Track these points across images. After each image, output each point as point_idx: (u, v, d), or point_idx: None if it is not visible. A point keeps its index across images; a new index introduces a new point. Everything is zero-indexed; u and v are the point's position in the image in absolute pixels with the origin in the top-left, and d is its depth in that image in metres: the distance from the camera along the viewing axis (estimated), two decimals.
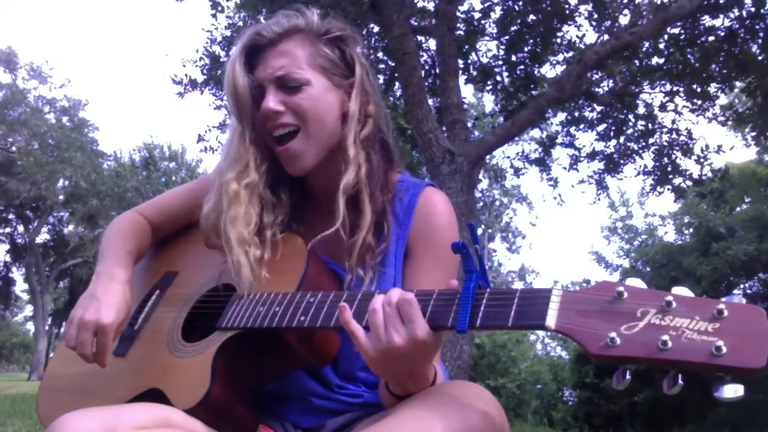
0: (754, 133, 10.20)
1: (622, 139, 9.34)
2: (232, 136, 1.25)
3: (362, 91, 1.25)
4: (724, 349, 0.67)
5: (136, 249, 1.35)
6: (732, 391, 0.67)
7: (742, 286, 12.71)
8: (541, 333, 25.36)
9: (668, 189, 9.12)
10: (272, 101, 1.19)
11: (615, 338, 0.73)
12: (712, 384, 0.68)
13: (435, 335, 0.91)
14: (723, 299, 0.72)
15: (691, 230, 13.04)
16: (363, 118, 1.25)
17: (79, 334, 1.14)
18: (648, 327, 0.72)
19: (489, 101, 15.84)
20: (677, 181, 9.06)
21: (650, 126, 8.98)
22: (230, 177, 1.20)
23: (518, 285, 28.12)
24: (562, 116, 9.65)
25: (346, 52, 1.27)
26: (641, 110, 9.03)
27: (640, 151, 9.28)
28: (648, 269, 13.64)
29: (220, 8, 8.69)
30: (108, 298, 1.18)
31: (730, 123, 9.83)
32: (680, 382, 0.70)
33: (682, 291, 0.75)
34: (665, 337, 0.70)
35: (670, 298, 0.73)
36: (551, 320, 0.80)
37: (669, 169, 9.05)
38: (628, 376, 0.73)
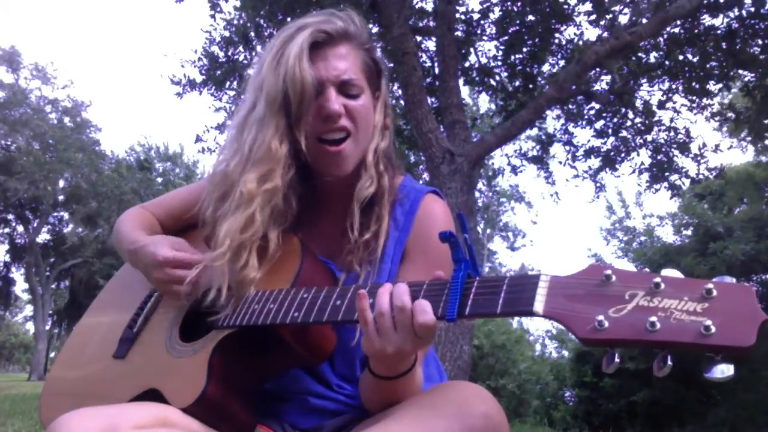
0: (750, 138, 10.20)
1: (620, 136, 9.36)
2: (263, 133, 1.16)
3: (385, 104, 1.29)
4: (713, 329, 0.66)
5: (148, 231, 1.39)
6: (721, 371, 0.66)
7: None
8: (540, 333, 25.36)
9: (664, 187, 9.13)
10: (337, 103, 1.18)
11: (603, 321, 0.72)
12: (704, 365, 0.67)
13: None
14: (713, 279, 0.71)
15: (689, 231, 13.05)
16: (383, 130, 1.28)
17: (168, 271, 1.22)
18: (636, 309, 0.72)
19: (484, 102, 15.85)
20: (673, 178, 9.08)
21: (647, 123, 8.99)
22: (251, 177, 1.14)
23: None
24: (559, 112, 9.65)
25: (378, 63, 1.29)
26: (639, 107, 9.05)
27: (637, 148, 9.30)
28: (647, 270, 13.63)
29: (218, 9, 8.69)
30: (157, 244, 1.26)
31: (726, 126, 9.84)
32: (669, 363, 0.69)
33: (671, 273, 0.74)
34: (653, 319, 0.69)
35: (658, 279, 0.73)
36: (539, 306, 0.80)
37: (665, 166, 9.07)
38: (617, 359, 0.72)
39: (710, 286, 0.69)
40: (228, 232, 1.12)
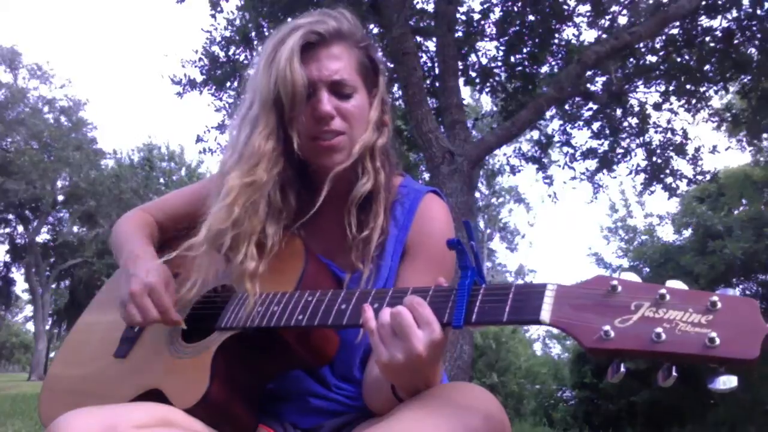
0: (747, 138, 10.23)
1: (617, 137, 9.38)
2: (253, 132, 1.18)
3: (382, 101, 1.28)
4: (718, 341, 0.67)
5: (150, 239, 1.37)
6: (724, 382, 0.67)
7: (741, 286, 12.72)
8: (541, 333, 25.37)
9: (660, 188, 9.16)
10: (329, 105, 1.18)
11: (609, 331, 0.73)
12: (707, 376, 0.68)
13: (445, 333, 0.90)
14: (716, 291, 0.72)
15: (689, 230, 13.06)
16: (380, 127, 1.27)
17: (139, 304, 1.15)
18: (642, 320, 0.72)
19: (486, 102, 15.87)
20: (669, 180, 9.10)
21: (644, 125, 9.01)
22: (235, 174, 1.16)
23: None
24: (554, 114, 9.67)
25: (374, 60, 1.28)
26: (636, 108, 9.07)
27: (633, 150, 9.33)
28: (647, 269, 13.66)
29: (219, 9, 8.69)
30: (141, 267, 1.20)
31: (724, 126, 9.86)
32: (674, 374, 0.70)
33: (676, 284, 0.75)
34: (659, 330, 0.70)
35: (663, 291, 0.73)
36: (546, 315, 0.80)
37: (661, 167, 9.09)
38: (622, 369, 0.73)
39: (715, 298, 0.70)
40: (208, 225, 1.14)
